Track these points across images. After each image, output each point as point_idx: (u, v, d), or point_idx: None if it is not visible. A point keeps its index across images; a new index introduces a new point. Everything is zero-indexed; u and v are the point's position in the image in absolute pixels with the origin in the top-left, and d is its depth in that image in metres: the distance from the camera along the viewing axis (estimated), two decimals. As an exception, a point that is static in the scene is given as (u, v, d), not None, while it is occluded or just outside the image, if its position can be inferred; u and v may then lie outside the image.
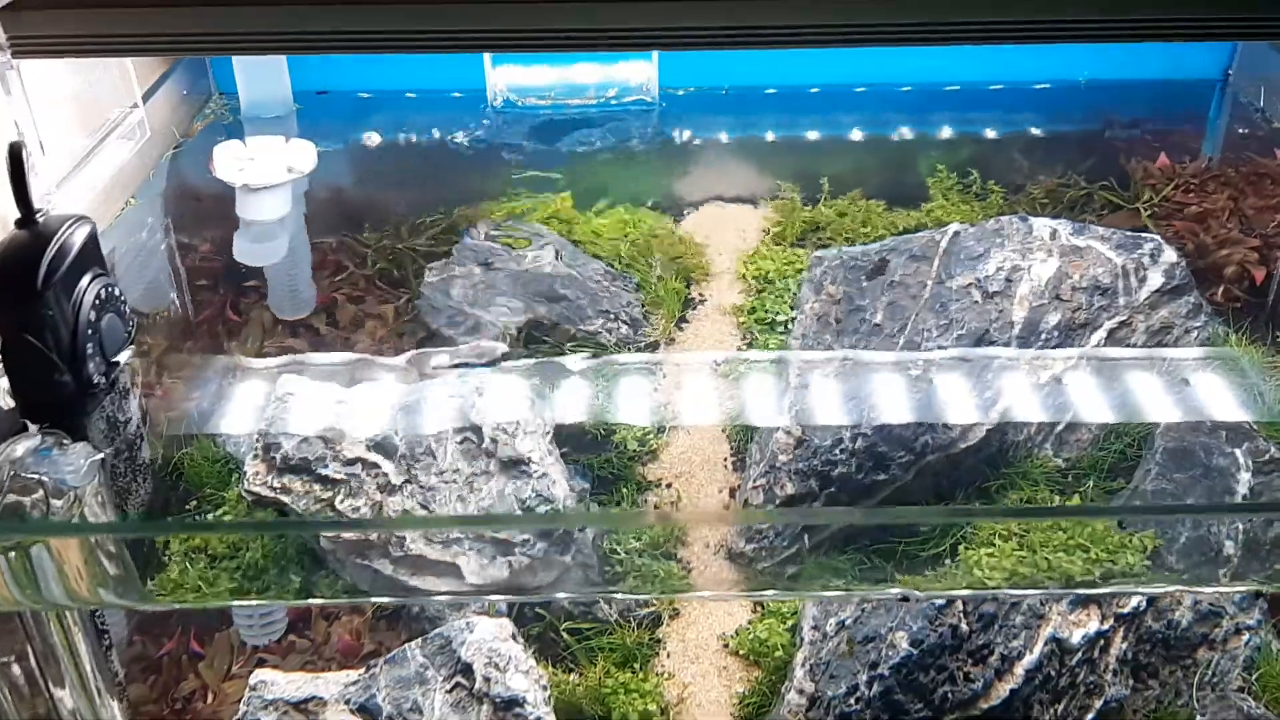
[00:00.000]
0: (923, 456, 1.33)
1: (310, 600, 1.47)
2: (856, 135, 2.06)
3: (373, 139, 1.96)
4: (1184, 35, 1.44)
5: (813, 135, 2.07)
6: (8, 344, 1.13)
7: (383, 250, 1.82)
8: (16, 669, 1.05)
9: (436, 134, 2.00)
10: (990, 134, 2.04)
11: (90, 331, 1.18)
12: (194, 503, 1.57)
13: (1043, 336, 1.43)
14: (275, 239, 1.65)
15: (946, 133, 2.05)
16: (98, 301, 1.20)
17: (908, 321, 1.45)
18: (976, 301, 1.45)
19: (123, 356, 1.24)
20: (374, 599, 1.43)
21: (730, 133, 2.04)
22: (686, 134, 2.03)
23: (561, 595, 1.37)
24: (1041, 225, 1.58)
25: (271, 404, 1.49)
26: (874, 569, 1.38)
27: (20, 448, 1.04)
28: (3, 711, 1.06)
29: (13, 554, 0.96)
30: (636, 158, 1.95)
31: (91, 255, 1.21)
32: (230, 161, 1.63)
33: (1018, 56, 2.08)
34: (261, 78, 1.83)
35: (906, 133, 2.03)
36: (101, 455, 1.09)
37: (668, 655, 1.51)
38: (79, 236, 1.19)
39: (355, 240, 1.83)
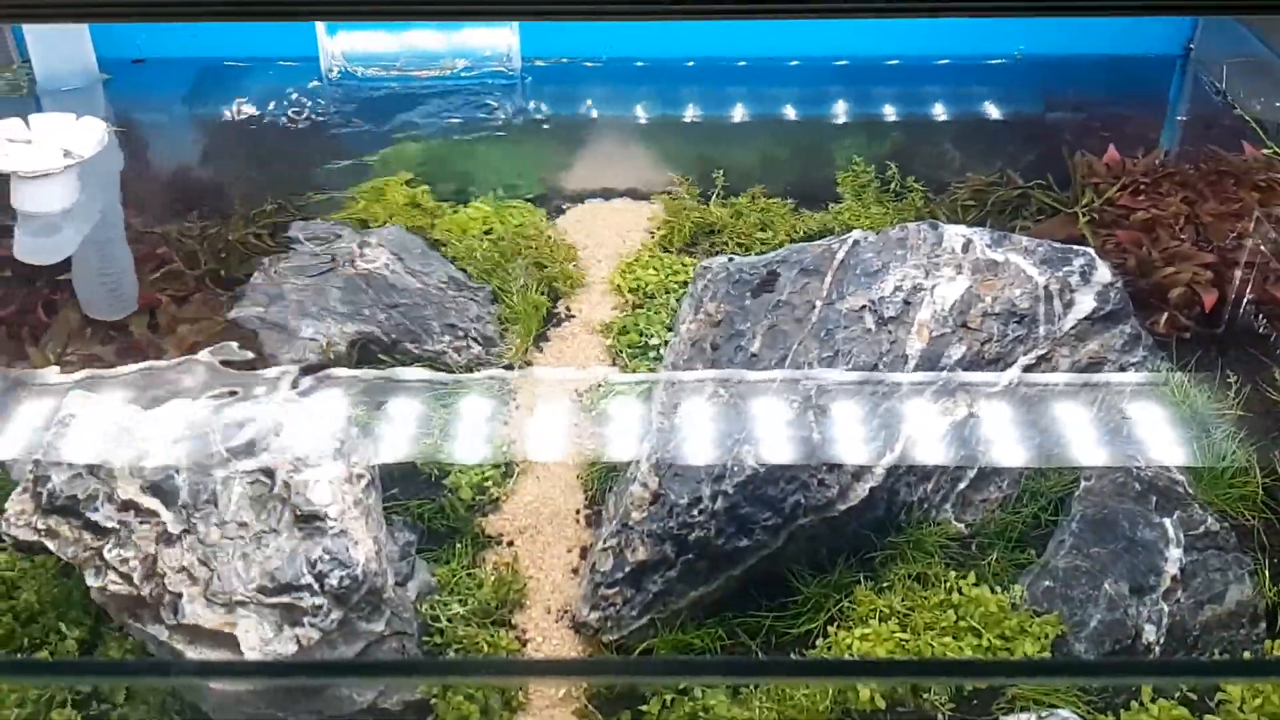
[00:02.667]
0: (794, 519, 1.15)
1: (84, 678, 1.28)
2: (766, 117, 1.85)
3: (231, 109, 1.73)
4: (1144, 9, 1.23)
5: (714, 116, 1.87)
6: None
7: (211, 242, 1.61)
8: None
9: (268, 107, 1.79)
10: (919, 116, 1.83)
11: None
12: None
13: (942, 374, 1.22)
14: (59, 233, 1.43)
15: (868, 115, 1.84)
16: None
17: (789, 351, 1.25)
18: (869, 329, 1.25)
19: None
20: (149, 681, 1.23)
21: (607, 112, 1.85)
22: (557, 112, 1.83)
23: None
24: (953, 234, 1.38)
25: (52, 427, 1.30)
26: (737, 646, 1.19)
27: None
28: None
29: None
30: (501, 140, 1.75)
31: None
32: (1, 144, 1.39)
33: (956, 27, 1.86)
34: (58, 45, 1.60)
35: (822, 115, 1.83)
36: None
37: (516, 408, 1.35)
38: None
39: (183, 232, 1.62)
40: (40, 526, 1.24)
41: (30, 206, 1.39)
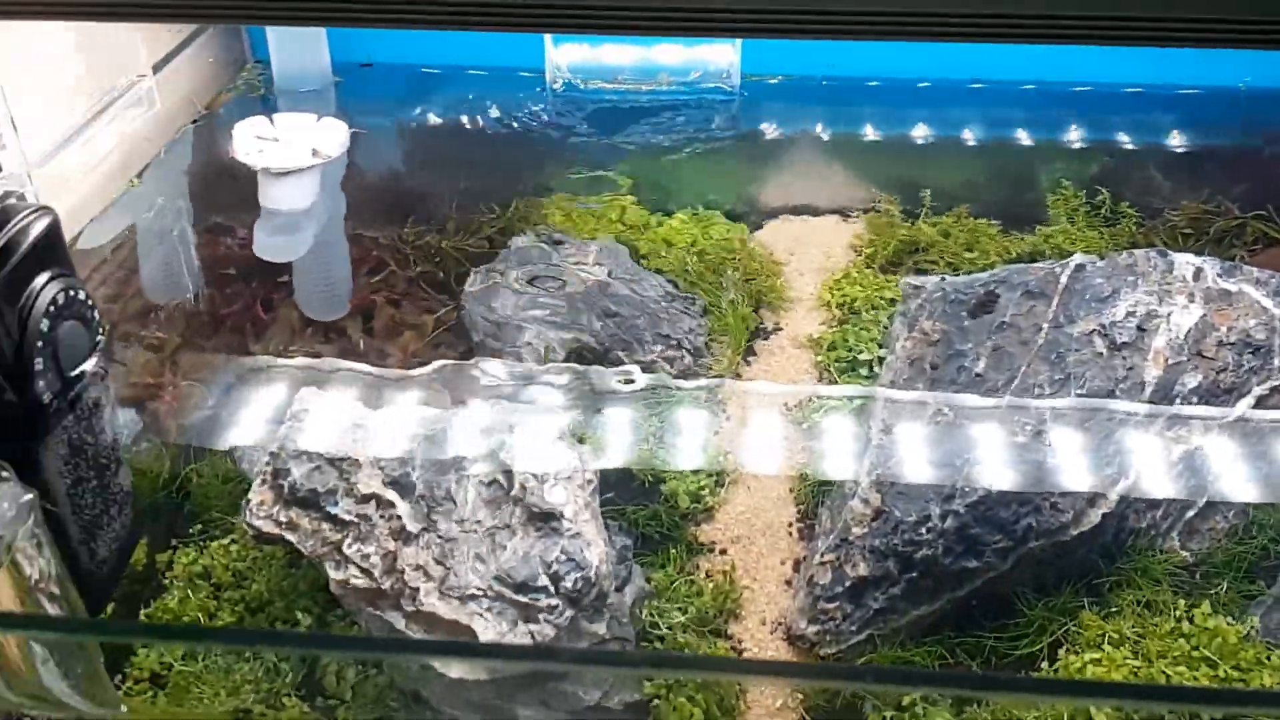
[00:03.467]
0: (1024, 542, 1.14)
1: (315, 650, 1.33)
2: (968, 138, 1.85)
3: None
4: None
5: (917, 136, 1.87)
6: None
7: (426, 249, 1.67)
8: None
9: (490, 116, 1.86)
10: (1125, 144, 1.80)
11: (42, 342, 1.04)
12: (198, 527, 1.44)
13: (1178, 401, 1.20)
14: (299, 231, 1.50)
15: (1073, 140, 1.82)
16: (54, 307, 1.06)
17: (1017, 373, 1.24)
18: (1101, 354, 1.24)
19: (86, 367, 1.10)
20: (385, 656, 1.27)
21: (820, 130, 1.86)
22: (770, 129, 1.85)
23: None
24: (1183, 263, 1.36)
25: (287, 421, 1.35)
26: (957, 665, 1.19)
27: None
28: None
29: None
30: (712, 154, 1.78)
31: (50, 252, 1.07)
32: (251, 141, 1.47)
33: (1162, 55, 1.82)
34: (297, 48, 1.69)
35: (1026, 138, 1.82)
36: (31, 495, 0.95)
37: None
38: (35, 231, 1.05)
39: (399, 237, 1.68)
40: (282, 519, 1.29)
41: (277, 204, 1.45)
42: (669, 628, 1.25)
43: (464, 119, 1.87)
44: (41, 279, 1.03)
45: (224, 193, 1.62)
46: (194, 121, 1.73)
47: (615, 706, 1.26)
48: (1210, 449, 1.23)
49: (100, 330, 1.13)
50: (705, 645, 1.23)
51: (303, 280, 1.62)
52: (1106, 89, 1.88)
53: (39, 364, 1.02)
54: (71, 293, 1.07)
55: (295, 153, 1.45)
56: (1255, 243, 1.54)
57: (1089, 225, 1.57)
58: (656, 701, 1.22)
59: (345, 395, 1.46)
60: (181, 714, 1.24)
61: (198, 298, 1.59)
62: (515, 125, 1.84)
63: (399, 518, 1.28)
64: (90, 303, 1.11)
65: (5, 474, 0.96)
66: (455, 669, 1.25)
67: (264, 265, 1.65)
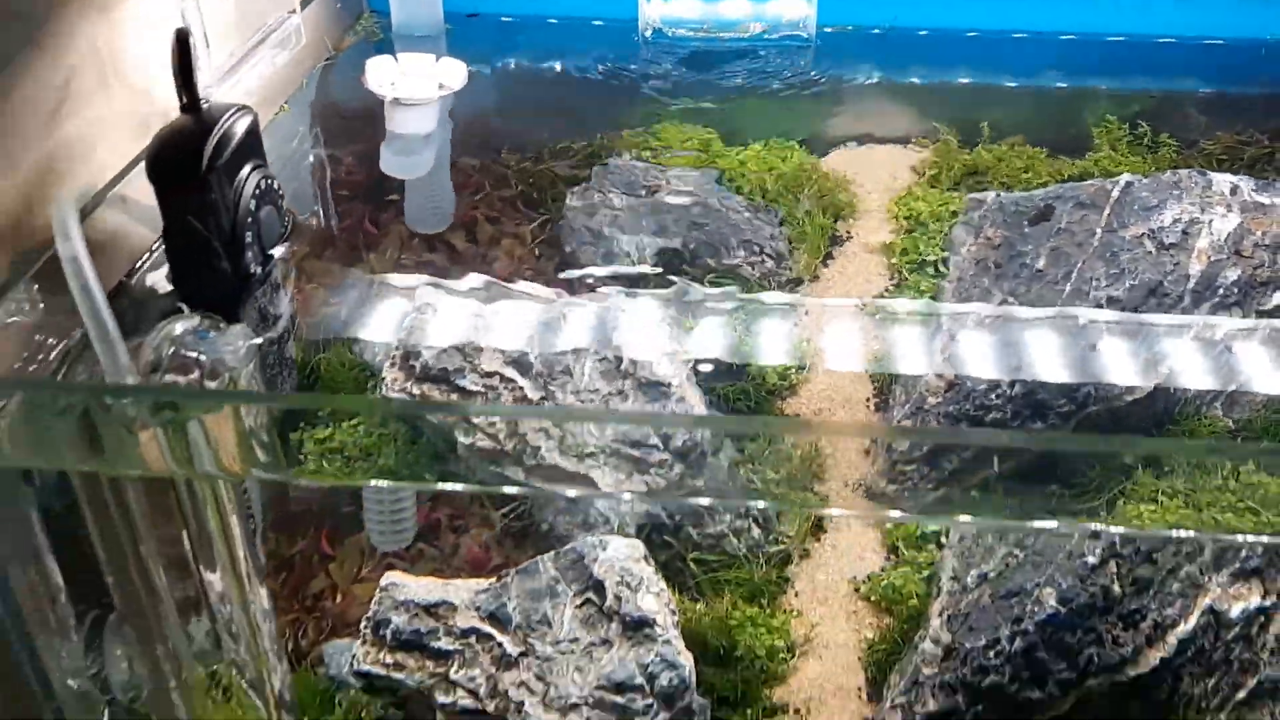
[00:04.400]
0: (1084, 407, 1.28)
1: (446, 486, 1.48)
2: (1016, 83, 1.97)
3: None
4: None
5: (970, 80, 2.00)
6: (169, 228, 1.14)
7: (523, 173, 1.82)
8: (172, 551, 1.07)
9: (585, 61, 1.98)
10: (1162, 88, 1.93)
11: (249, 221, 1.19)
12: (329, 409, 1.59)
13: (1220, 292, 1.35)
14: (421, 153, 1.65)
15: (1112, 85, 1.95)
16: (257, 192, 1.21)
17: (1074, 269, 1.38)
18: (1150, 252, 1.38)
19: (278, 250, 1.25)
20: (508, 489, 1.42)
21: (885, 75, 1.98)
22: (840, 73, 1.97)
23: (703, 501, 1.36)
24: (1221, 180, 1.49)
25: (410, 314, 1.50)
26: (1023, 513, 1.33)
27: (179, 327, 1.05)
28: (158, 591, 1.08)
29: (169, 426, 0.98)
30: (786, 95, 1.90)
31: (252, 146, 1.22)
32: (382, 75, 1.63)
33: (1189, 8, 1.97)
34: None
35: (1069, 84, 1.94)
36: (259, 340, 1.10)
37: (795, 594, 1.48)
38: (241, 126, 1.20)
39: (496, 162, 1.83)
40: (414, 392, 1.45)
41: (404, 128, 1.61)
42: (763, 483, 1.41)
43: (559, 65, 1.99)
44: (247, 169, 1.18)
45: (355, 122, 1.78)
46: (327, 59, 1.88)
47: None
48: (1249, 338, 1.38)
49: (287, 220, 1.29)
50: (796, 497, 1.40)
51: (412, 198, 1.77)
52: (1141, 39, 2.01)
53: (248, 239, 1.18)
54: (269, 182, 1.22)
55: (422, 85, 1.60)
56: (1285, 163, 1.70)
57: (1132, 152, 1.70)
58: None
59: (460, 293, 1.61)
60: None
61: (325, 213, 1.75)
62: (608, 69, 1.96)
63: (520, 388, 1.43)
64: (281, 193, 1.26)
65: (223, 325, 1.11)
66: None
67: (377, 186, 1.80)
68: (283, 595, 1.54)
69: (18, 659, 1.01)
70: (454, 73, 1.70)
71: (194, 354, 1.09)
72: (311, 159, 1.80)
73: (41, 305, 1.07)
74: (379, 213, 1.81)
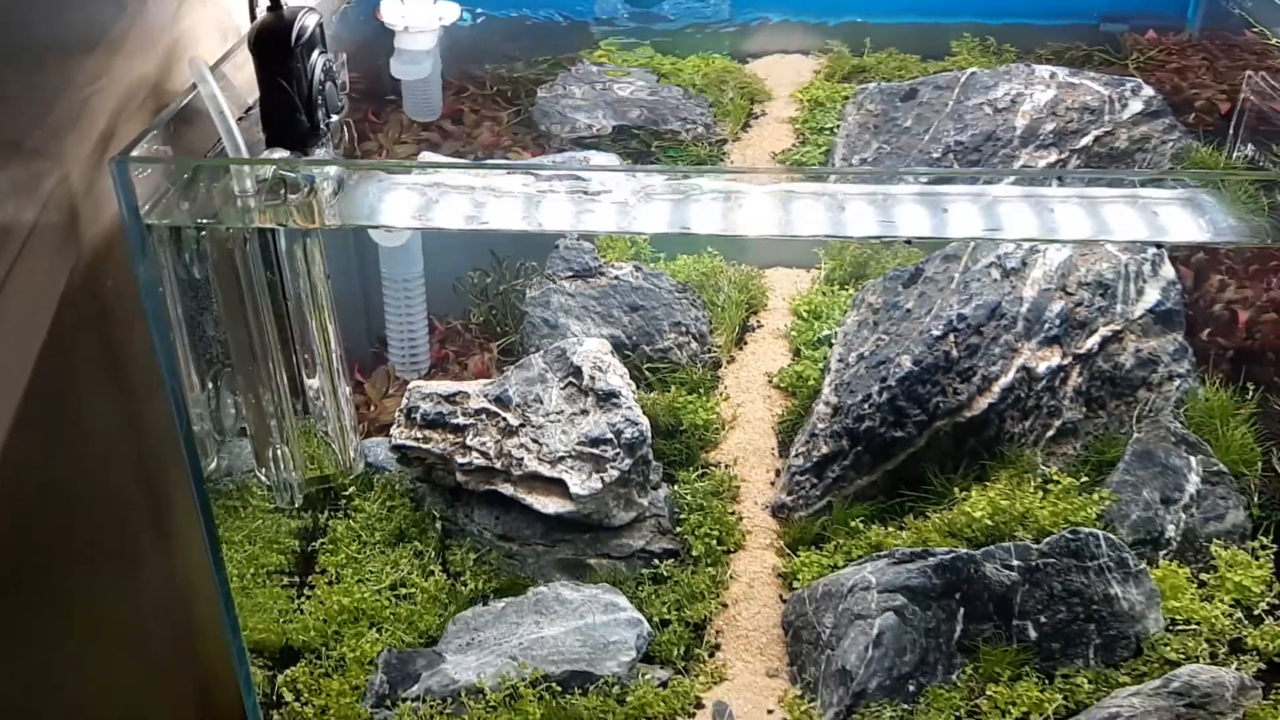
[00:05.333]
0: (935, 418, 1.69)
1: None
2: (898, 20, 2.38)
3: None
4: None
5: (861, 18, 2.38)
6: (264, 89, 1.52)
7: (499, 78, 2.21)
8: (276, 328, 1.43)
9: (549, 11, 2.35)
10: (1011, 24, 2.35)
11: (319, 90, 1.56)
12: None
13: (1040, 138, 1.79)
14: (422, 63, 2.03)
15: (964, 22, 2.35)
16: (324, 72, 1.59)
17: (931, 126, 1.82)
18: (988, 114, 1.82)
19: (336, 117, 1.63)
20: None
21: (792, 16, 2.37)
22: (755, 14, 2.34)
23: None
24: (1043, 69, 1.93)
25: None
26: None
27: (278, 154, 1.44)
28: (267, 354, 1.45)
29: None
30: (710, 31, 2.29)
31: (320, 37, 1.60)
32: (394, 11, 2.01)
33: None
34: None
35: (941, 20, 2.35)
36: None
37: (724, 387, 1.91)
38: (311, 21, 1.57)
39: (478, 75, 2.22)
40: (419, 436, 1.75)
41: (408, 46, 1.99)
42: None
43: (529, 11, 2.36)
44: (316, 52, 1.57)
45: (364, 49, 2.15)
46: (345, 4, 2.25)
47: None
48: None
49: (343, 97, 1.67)
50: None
51: (410, 96, 2.15)
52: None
53: (318, 103, 1.56)
54: (330, 66, 1.60)
55: (425, 18, 1.98)
56: (1100, 64, 2.14)
57: (981, 56, 2.16)
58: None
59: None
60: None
61: (341, 109, 2.12)
62: (568, 14, 2.32)
63: (504, 418, 1.80)
64: (339, 77, 1.64)
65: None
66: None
67: (381, 91, 2.19)
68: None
69: (168, 404, 1.39)
70: (449, 11, 2.08)
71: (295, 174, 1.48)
72: (337, 71, 2.17)
73: (173, 136, 1.44)
74: (382, 108, 2.20)
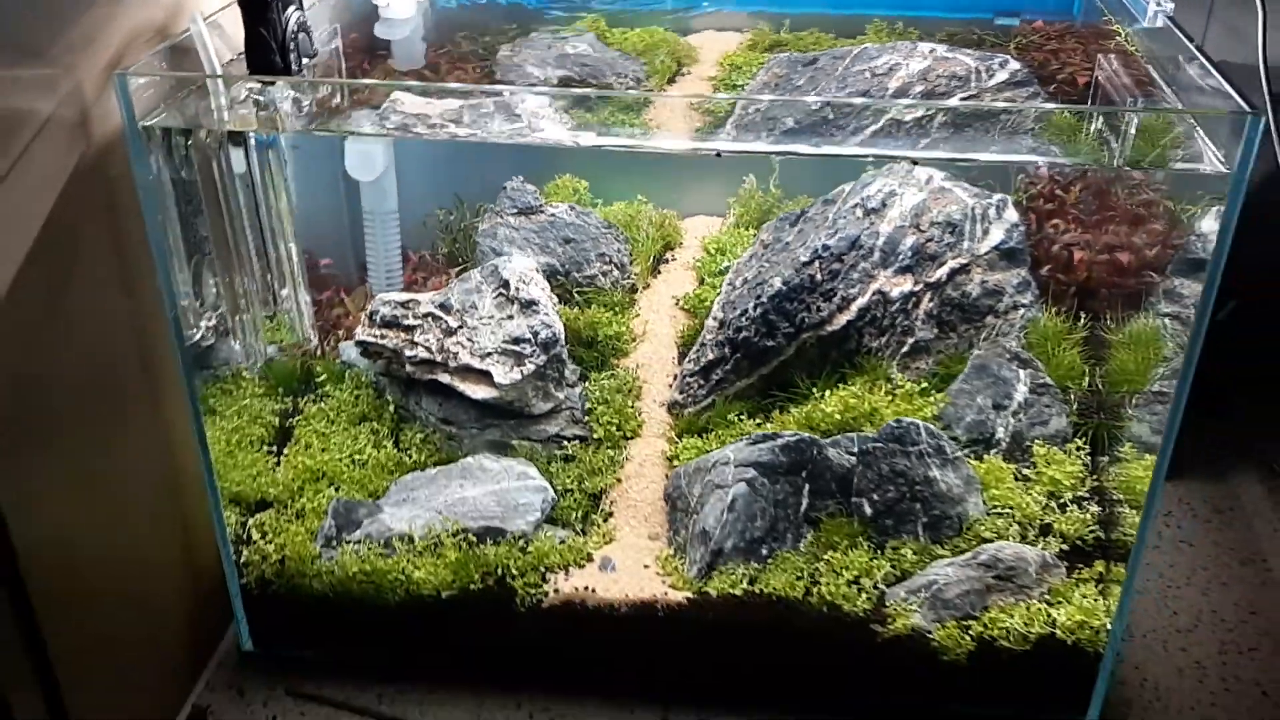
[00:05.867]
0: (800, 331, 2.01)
1: None
2: (823, 10, 2.67)
3: None
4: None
5: (786, 10, 2.68)
6: (249, 38, 1.86)
7: (470, 41, 2.54)
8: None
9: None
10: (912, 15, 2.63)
11: (293, 38, 1.91)
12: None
13: (910, 96, 2.08)
14: (403, 33, 2.37)
15: (884, 14, 2.63)
16: (297, 25, 1.93)
17: (818, 86, 2.11)
18: (867, 78, 2.11)
19: (308, 60, 1.97)
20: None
21: (732, 6, 2.67)
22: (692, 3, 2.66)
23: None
24: (924, 46, 2.22)
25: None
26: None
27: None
28: (240, 247, 1.80)
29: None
30: (650, 13, 2.61)
31: (295, -1, 1.94)
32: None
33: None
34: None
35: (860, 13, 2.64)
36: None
37: (638, 308, 2.22)
38: (288, -18, 1.92)
39: (450, 42, 2.56)
40: (377, 334, 2.12)
41: (393, 15, 2.33)
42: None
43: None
44: (292, 8, 1.91)
45: (353, 18, 2.51)
46: None
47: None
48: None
49: (313, 46, 2.01)
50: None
51: (397, 50, 2.50)
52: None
53: (291, 49, 1.90)
54: (304, 21, 1.94)
55: (404, 3, 2.33)
56: (987, 46, 2.42)
57: (888, 38, 2.45)
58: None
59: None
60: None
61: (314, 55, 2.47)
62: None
63: (445, 321, 2.14)
64: (310, 31, 1.98)
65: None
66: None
67: (372, 49, 2.53)
68: (318, 317, 2.28)
69: (158, 282, 1.73)
70: (426, -6, 2.43)
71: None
72: (334, 37, 2.52)
73: (170, 65, 1.78)
74: (372, 60, 2.55)
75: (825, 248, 1.95)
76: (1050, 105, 1.86)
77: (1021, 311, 2.01)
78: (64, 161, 1.53)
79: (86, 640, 1.63)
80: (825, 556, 1.83)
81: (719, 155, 1.96)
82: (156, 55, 1.64)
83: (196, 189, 1.72)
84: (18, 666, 1.52)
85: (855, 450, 1.83)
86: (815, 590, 1.80)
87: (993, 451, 1.91)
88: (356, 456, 2.02)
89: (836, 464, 1.84)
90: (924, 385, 1.94)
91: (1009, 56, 2.16)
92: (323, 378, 2.13)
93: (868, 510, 1.84)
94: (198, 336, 1.80)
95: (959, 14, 2.52)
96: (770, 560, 1.83)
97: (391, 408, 2.08)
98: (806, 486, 1.84)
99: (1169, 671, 1.95)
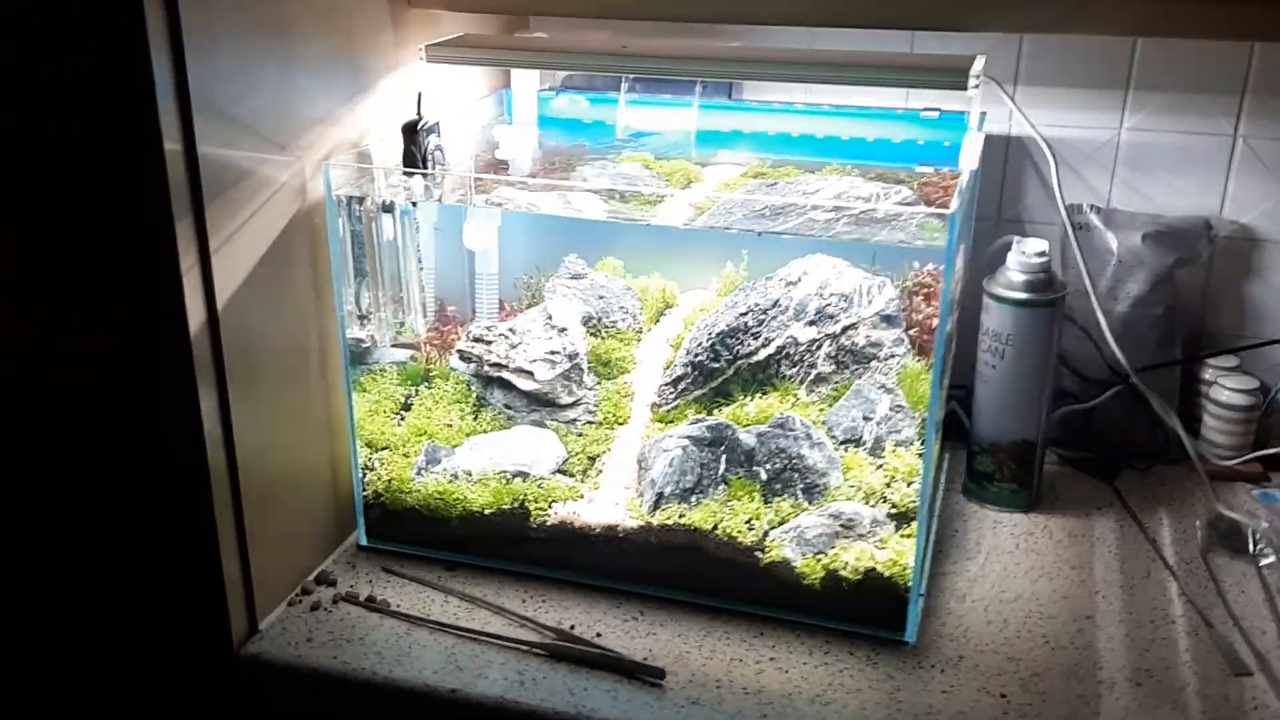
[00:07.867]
0: (737, 357, 2.96)
1: None
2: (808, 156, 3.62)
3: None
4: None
5: (785, 156, 3.67)
6: (405, 152, 2.97)
7: (559, 163, 3.61)
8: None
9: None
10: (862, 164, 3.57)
11: (432, 154, 3.01)
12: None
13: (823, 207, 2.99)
14: (517, 156, 3.48)
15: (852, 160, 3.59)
16: (435, 145, 3.03)
17: (768, 197, 3.06)
18: (799, 194, 3.05)
19: (439, 168, 3.06)
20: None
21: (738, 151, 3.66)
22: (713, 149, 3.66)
23: None
24: (847, 179, 3.15)
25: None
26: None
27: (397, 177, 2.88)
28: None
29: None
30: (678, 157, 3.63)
31: (436, 129, 3.04)
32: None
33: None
34: None
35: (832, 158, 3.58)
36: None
37: (641, 342, 3.19)
38: (432, 120, 3.03)
39: (546, 165, 3.65)
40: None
41: (507, 149, 3.45)
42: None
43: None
44: (433, 135, 3.02)
45: (486, 148, 3.63)
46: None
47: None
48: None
49: (445, 159, 3.11)
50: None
51: (512, 169, 3.59)
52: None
53: (430, 161, 3.01)
54: (439, 143, 3.06)
55: (521, 141, 3.43)
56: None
57: (834, 174, 3.38)
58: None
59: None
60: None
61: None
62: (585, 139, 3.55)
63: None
64: (443, 150, 3.09)
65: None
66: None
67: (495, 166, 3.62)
68: (441, 340, 3.34)
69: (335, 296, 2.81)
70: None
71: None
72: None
73: (355, 161, 2.91)
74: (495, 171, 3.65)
75: (756, 305, 2.88)
76: (924, 208, 2.72)
77: (896, 359, 2.87)
78: (287, 212, 2.58)
79: (267, 525, 2.61)
80: (730, 504, 2.70)
81: (759, 234, 2.85)
82: (349, 155, 2.76)
83: (361, 238, 2.80)
84: (227, 541, 2.47)
85: (756, 434, 2.72)
86: (721, 526, 2.66)
87: (861, 449, 2.76)
88: (449, 425, 3.02)
89: (745, 442, 2.72)
90: (816, 401, 2.82)
91: (905, 188, 3.06)
92: (435, 374, 3.17)
93: (763, 475, 2.70)
94: (361, 335, 2.86)
95: (905, 164, 3.45)
96: (696, 503, 2.72)
97: (474, 396, 3.08)
98: (724, 456, 2.72)
99: (979, 622, 2.71)
